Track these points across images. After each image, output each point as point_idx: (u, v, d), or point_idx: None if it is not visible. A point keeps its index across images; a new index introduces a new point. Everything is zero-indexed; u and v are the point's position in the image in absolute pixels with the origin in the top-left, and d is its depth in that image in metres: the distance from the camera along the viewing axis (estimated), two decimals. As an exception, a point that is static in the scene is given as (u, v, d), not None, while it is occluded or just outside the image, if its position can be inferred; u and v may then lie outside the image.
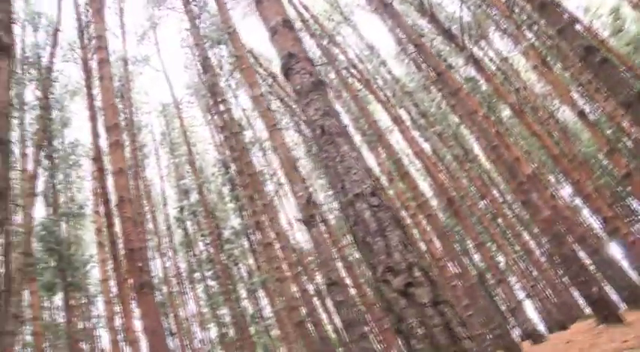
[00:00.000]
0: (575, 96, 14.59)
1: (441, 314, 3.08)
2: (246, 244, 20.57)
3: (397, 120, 16.47)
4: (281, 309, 15.62)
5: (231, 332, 21.43)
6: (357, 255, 24.15)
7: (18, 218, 14.34)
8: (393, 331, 3.25)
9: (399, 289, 3.11)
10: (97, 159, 14.65)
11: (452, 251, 13.17)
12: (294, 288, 12.29)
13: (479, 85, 19.45)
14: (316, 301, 13.41)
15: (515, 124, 21.25)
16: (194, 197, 21.13)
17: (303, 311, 11.29)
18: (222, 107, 13.24)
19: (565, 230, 10.65)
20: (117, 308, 19.12)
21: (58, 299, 22.66)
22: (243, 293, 21.48)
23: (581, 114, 12.64)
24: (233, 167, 15.89)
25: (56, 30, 16.64)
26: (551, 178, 26.23)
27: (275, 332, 21.93)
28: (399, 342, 3.22)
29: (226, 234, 19.26)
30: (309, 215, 6.88)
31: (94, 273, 21.91)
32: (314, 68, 4.15)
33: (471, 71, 17.61)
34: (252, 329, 19.24)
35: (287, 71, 4.18)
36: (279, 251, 12.64)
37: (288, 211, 27.77)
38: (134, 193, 16.23)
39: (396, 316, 3.13)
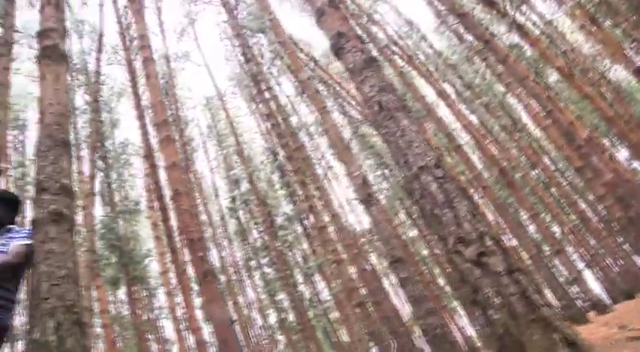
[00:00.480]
0: (629, 53, 13.90)
1: (516, 282, 3.04)
2: (299, 229, 20.79)
3: (442, 95, 16.20)
4: (339, 292, 15.76)
5: (290, 317, 21.81)
6: (410, 234, 24.09)
7: (80, 218, 14.92)
8: (470, 302, 3.22)
9: (472, 259, 3.09)
10: (149, 156, 15.06)
11: (508, 223, 12.92)
12: (351, 270, 12.36)
13: (523, 51, 18.84)
14: (374, 281, 13.42)
15: (564, 89, 20.51)
16: (245, 186, 21.47)
17: (363, 291, 11.35)
18: (267, 95, 13.31)
19: (629, 193, 10.26)
20: (178, 299, 19.71)
21: (121, 293, 23.52)
22: (299, 278, 21.76)
23: (637, 72, 12.07)
24: (281, 153, 16.03)
25: (100, 35, 17.10)
26: (606, 142, 25.22)
27: (334, 315, 22.16)
28: (476, 313, 3.18)
29: (279, 220, 19.51)
30: (367, 194, 6.89)
31: (154, 267, 22.61)
32: (365, 45, 4.12)
33: (514, 38, 17.05)
34: (310, 313, 19.50)
35: (338, 51, 4.16)
36: (334, 233, 12.71)
37: (338, 193, 27.85)
38: (187, 186, 16.62)
39: (471, 286, 3.11)
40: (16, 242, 3.49)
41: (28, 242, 3.57)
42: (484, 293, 3.01)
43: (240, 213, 22.64)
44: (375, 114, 3.73)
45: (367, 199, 6.89)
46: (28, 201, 17.90)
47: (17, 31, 12.46)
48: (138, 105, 16.09)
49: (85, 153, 17.40)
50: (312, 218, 14.23)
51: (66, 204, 4.16)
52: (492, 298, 2.99)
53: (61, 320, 3.40)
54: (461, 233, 3.15)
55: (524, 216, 22.01)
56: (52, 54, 5.24)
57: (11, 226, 3.72)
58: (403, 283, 6.50)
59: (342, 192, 27.81)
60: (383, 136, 3.69)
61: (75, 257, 4.03)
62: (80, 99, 18.57)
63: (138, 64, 16.29)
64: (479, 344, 22.94)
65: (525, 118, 22.36)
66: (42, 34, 5.41)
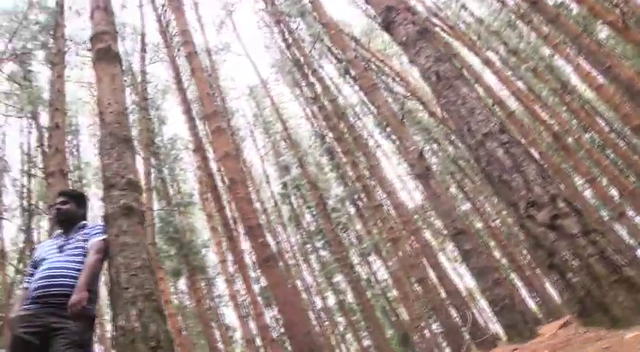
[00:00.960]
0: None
1: (593, 243, 2.97)
2: (352, 210, 20.82)
3: (488, 63, 15.81)
4: (396, 270, 15.70)
5: (349, 298, 21.99)
6: (463, 208, 23.73)
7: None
8: (546, 266, 3.16)
9: (545, 223, 3.03)
10: (199, 148, 15.36)
11: (566, 188, 12.54)
12: (408, 247, 12.30)
13: (569, 9, 18.01)
14: (431, 257, 13.26)
15: (618, 44, 19.51)
16: (295, 171, 21.66)
17: (422, 268, 11.28)
18: (311, 78, 13.30)
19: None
20: (237, 286, 20.14)
21: (181, 283, 24.21)
22: (355, 259, 21.85)
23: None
24: (330, 135, 16.02)
25: (142, 35, 17.44)
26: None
27: (392, 293, 22.19)
28: (553, 277, 3.12)
29: (331, 202, 19.56)
30: (424, 167, 6.81)
31: (211, 256, 23.13)
32: (416, 17, 4.05)
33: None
34: (368, 294, 19.57)
35: (388, 25, 4.11)
36: (390, 211, 12.67)
37: (388, 171, 27.72)
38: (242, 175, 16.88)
39: (546, 251, 3.06)
40: (94, 239, 3.66)
41: (104, 237, 3.74)
42: (561, 256, 2.95)
43: (293, 198, 22.88)
44: (434, 85, 3.68)
45: (424, 173, 6.81)
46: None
47: (67, 40, 12.90)
48: (184, 100, 16.41)
49: (137, 150, 17.87)
50: (365, 197, 14.19)
51: (134, 197, 4.31)
52: (570, 261, 2.93)
53: (142, 308, 3.55)
54: (532, 197, 3.09)
55: (579, 181, 21.32)
56: (106, 56, 5.41)
57: (84, 222, 3.91)
58: (467, 255, 6.43)
59: (391, 170, 27.72)
60: (443, 106, 3.64)
61: (148, 248, 4.19)
62: (127, 98, 18.98)
63: (181, 60, 16.59)
64: (540, 316, 22.52)
65: (575, 80, 21.51)
66: (95, 38, 5.57)
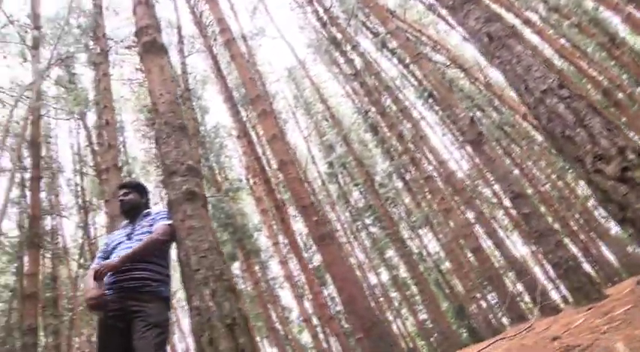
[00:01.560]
0: None
1: (669, 192, 2.86)
2: (399, 185, 20.68)
3: (529, 23, 15.30)
4: (449, 241, 15.57)
5: (401, 272, 21.98)
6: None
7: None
8: (618, 221, 3.07)
9: (615, 176, 2.94)
10: (244, 134, 15.53)
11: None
12: (461, 217, 12.14)
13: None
14: (478, 227, 12.99)
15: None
16: (340, 150, 21.67)
17: (477, 237, 11.12)
18: (351, 54, 13.20)
19: None
20: (291, 266, 20.43)
21: (235, 267, 24.69)
22: (405, 233, 21.78)
23: None
24: (373, 111, 15.87)
25: (179, 28, 17.65)
26: None
27: (445, 266, 22.05)
28: (628, 232, 3.03)
29: (378, 178, 19.48)
30: (477, 133, 6.69)
31: (263, 239, 23.51)
32: (460, -22, 3.96)
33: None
34: (421, 267, 19.53)
35: (433, -11, 4.04)
36: (441, 182, 12.53)
37: (434, 142, 27.24)
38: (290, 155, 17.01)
39: (618, 205, 2.97)
40: (159, 223, 3.80)
41: (169, 222, 3.87)
42: (634, 209, 2.86)
43: (340, 176, 22.91)
44: (486, 46, 3.60)
45: (477, 139, 6.69)
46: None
47: (110, 39, 13.22)
48: (225, 88, 16.58)
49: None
50: (413, 170, 14.06)
51: (195, 182, 4.40)
52: (644, 213, 2.84)
53: (215, 288, 3.64)
54: (598, 150, 3.00)
55: (635, 137, 20.49)
56: (152, 48, 5.50)
57: (147, 210, 4.06)
58: (527, 218, 6.31)
59: (437, 140, 27.23)
60: (498, 66, 3.56)
61: (213, 230, 4.30)
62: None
63: (219, 49, 16.73)
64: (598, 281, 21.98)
65: (624, 31, 20.50)
66: (140, 32, 5.67)
